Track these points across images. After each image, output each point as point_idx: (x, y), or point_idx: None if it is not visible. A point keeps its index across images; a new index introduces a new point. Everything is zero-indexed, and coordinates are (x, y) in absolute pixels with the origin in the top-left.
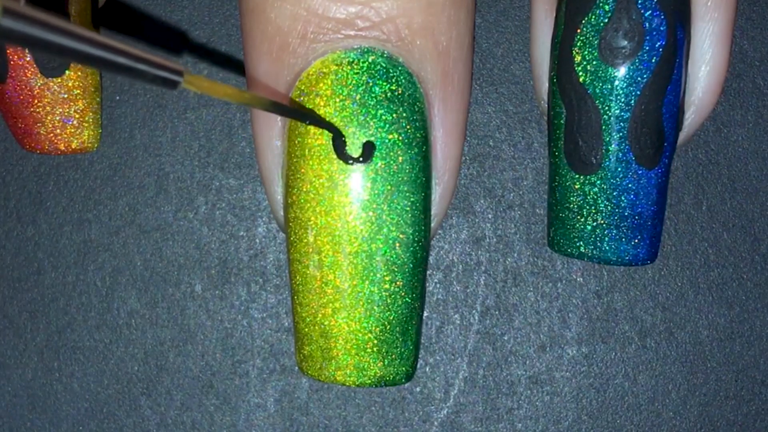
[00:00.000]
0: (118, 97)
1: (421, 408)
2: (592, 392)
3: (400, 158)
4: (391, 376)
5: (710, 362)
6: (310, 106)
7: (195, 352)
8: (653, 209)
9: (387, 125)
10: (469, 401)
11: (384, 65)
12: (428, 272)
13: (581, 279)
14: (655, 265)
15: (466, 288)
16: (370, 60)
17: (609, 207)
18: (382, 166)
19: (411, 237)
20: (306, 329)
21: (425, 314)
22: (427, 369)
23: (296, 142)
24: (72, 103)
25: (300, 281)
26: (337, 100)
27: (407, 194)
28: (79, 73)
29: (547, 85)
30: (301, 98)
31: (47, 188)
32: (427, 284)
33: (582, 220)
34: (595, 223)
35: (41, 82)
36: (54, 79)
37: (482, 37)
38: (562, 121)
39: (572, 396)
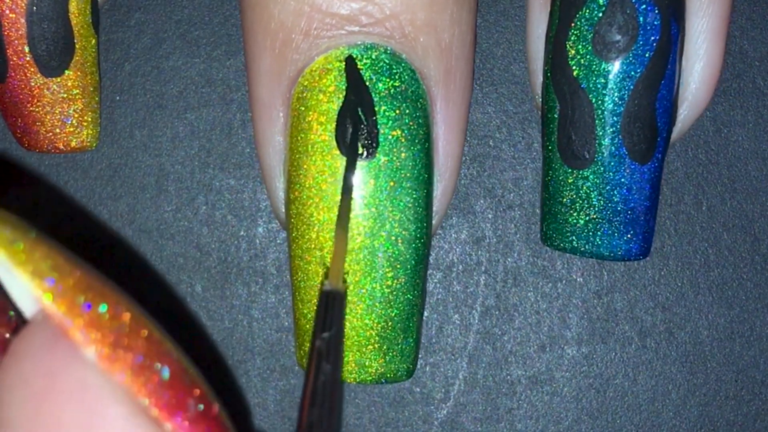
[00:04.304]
0: (117, 97)
1: (421, 408)
2: (592, 392)
3: (403, 154)
4: (392, 373)
5: (710, 362)
6: (313, 102)
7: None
8: (646, 204)
9: (390, 121)
10: (469, 401)
11: (387, 62)
12: (428, 272)
13: (581, 279)
14: (655, 265)
15: (466, 288)
16: (373, 56)
17: (602, 201)
18: (385, 162)
19: (413, 234)
20: (307, 326)
21: (425, 314)
22: (427, 369)
23: (299, 138)
24: (71, 103)
25: (301, 277)
26: (341, 96)
27: (410, 191)
28: (79, 73)
29: (541, 79)
30: (304, 94)
31: (46, 188)
32: (427, 284)
33: (575, 214)
34: (587, 218)
35: (41, 81)
36: (53, 79)
37: (482, 37)
38: (555, 115)
39: (572, 396)
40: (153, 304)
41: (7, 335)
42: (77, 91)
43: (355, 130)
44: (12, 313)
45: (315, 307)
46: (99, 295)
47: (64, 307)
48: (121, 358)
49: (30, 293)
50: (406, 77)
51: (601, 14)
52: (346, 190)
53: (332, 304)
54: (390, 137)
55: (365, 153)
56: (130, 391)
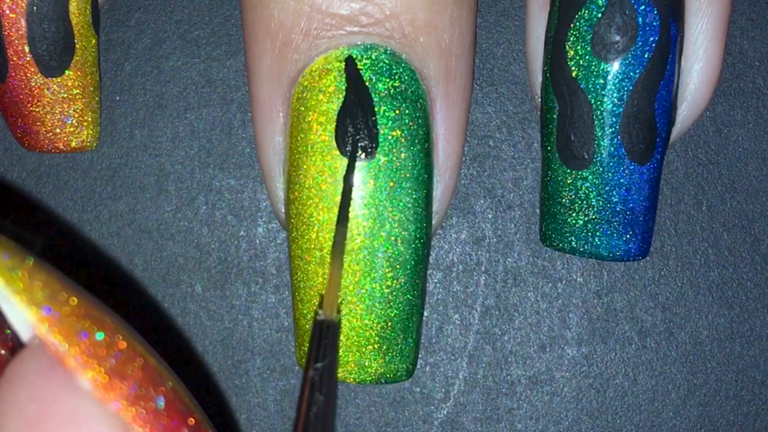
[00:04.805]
0: (117, 97)
1: (421, 408)
2: (592, 392)
3: (403, 155)
4: (392, 373)
5: (710, 362)
6: (313, 103)
7: (195, 352)
8: (645, 205)
9: (390, 122)
10: (469, 401)
11: (387, 62)
12: (428, 272)
13: (581, 279)
14: (655, 265)
15: (466, 288)
16: (373, 57)
17: (601, 202)
18: (385, 162)
19: (413, 234)
20: (307, 326)
21: (425, 314)
22: (427, 369)
23: (299, 138)
24: (71, 103)
25: (301, 278)
26: (341, 96)
27: (409, 191)
28: (79, 73)
29: (540, 79)
30: (304, 94)
31: (47, 188)
32: (428, 284)
33: (574, 215)
34: (586, 218)
35: (41, 81)
36: (53, 79)
37: (482, 38)
38: (554, 116)
39: (572, 396)
40: (152, 307)
41: (2, 351)
42: (77, 91)
43: (353, 159)
44: (9, 331)
45: (315, 307)
46: (96, 323)
47: (60, 336)
48: (116, 387)
49: (27, 320)
50: (406, 77)
51: (600, 15)
52: (342, 219)
53: (326, 334)
54: (390, 137)
55: (365, 153)
56: (125, 420)
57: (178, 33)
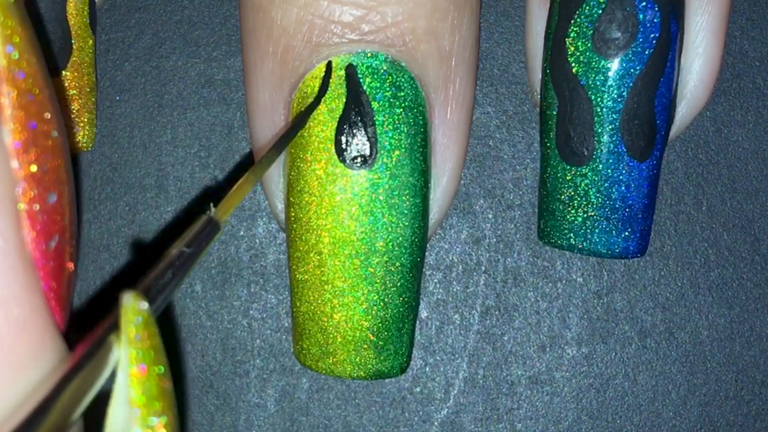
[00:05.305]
0: (118, 97)
1: (421, 408)
2: (592, 392)
3: (401, 161)
4: (387, 370)
5: (710, 362)
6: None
7: (195, 352)
8: (644, 202)
9: (389, 128)
10: (469, 401)
11: (387, 69)
12: (428, 272)
13: (581, 279)
14: (655, 265)
15: (466, 288)
16: (373, 64)
17: (600, 199)
18: (383, 168)
19: (409, 238)
20: (304, 324)
21: (425, 314)
22: (427, 369)
23: (299, 143)
24: (68, 103)
25: (300, 279)
26: (340, 103)
27: (407, 196)
28: (75, 74)
29: (540, 75)
30: (305, 100)
31: None
32: (427, 284)
33: (573, 211)
34: (585, 215)
35: None
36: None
37: (482, 38)
38: (554, 112)
39: (572, 396)
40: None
41: None
42: (74, 91)
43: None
44: None
45: (313, 309)
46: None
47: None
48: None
49: None
50: (406, 84)
51: (600, 11)
52: (279, 145)
53: (207, 230)
54: (388, 144)
55: (364, 161)
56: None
57: (178, 33)
